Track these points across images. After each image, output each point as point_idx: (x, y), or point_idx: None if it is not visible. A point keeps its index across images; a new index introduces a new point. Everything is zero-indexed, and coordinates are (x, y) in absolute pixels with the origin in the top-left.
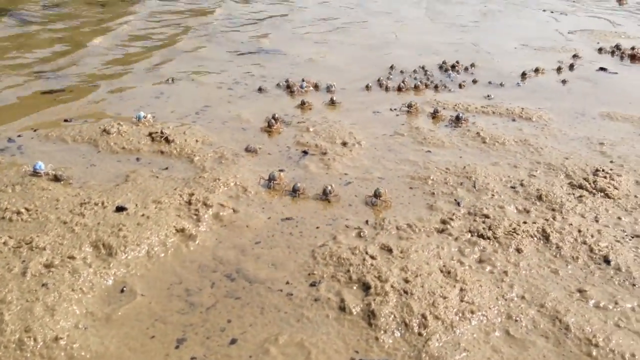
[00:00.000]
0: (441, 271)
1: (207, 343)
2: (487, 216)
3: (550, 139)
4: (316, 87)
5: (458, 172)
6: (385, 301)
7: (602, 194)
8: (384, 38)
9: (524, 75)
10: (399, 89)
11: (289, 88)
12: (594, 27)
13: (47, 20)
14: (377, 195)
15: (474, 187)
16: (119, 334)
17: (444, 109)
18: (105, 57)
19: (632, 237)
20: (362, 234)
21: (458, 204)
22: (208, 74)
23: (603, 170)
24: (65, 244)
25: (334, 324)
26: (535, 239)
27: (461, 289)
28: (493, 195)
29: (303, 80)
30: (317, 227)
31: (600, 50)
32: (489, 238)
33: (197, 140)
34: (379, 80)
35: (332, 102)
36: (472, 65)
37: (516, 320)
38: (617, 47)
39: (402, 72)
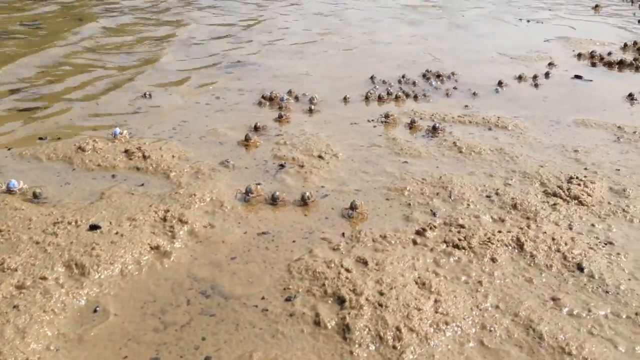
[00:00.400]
0: (416, 283)
1: None
2: (462, 226)
3: (525, 148)
4: (296, 98)
5: (434, 182)
6: (359, 315)
7: (576, 201)
8: (362, 48)
9: (500, 84)
10: (379, 99)
11: (267, 100)
12: (570, 35)
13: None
14: (353, 207)
15: (450, 197)
16: (91, 355)
17: (421, 119)
18: (80, 72)
19: (605, 244)
20: (338, 246)
21: (434, 214)
22: (185, 88)
23: (577, 178)
24: (37, 264)
25: (308, 339)
26: (510, 248)
27: (436, 300)
28: (469, 205)
29: (287, 93)
30: (294, 241)
31: (576, 57)
32: (464, 248)
33: (173, 156)
34: (360, 91)
35: (310, 114)
36: (453, 74)
37: (490, 330)
38: (592, 54)
39: (383, 82)
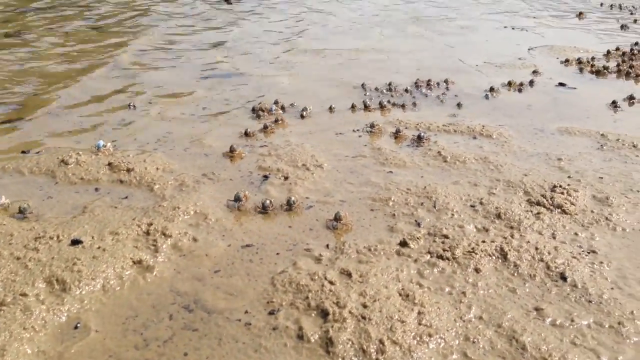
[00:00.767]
0: (400, 294)
1: None
2: (446, 236)
3: (509, 156)
4: (282, 109)
5: (419, 192)
6: (343, 328)
7: (560, 210)
8: (347, 58)
9: (485, 92)
10: (365, 108)
11: (253, 111)
12: (554, 43)
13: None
14: (337, 218)
15: (435, 207)
16: None
17: (406, 128)
18: (64, 85)
19: (589, 253)
20: (322, 258)
21: (418, 224)
22: (170, 99)
23: (560, 186)
24: (17, 280)
25: (292, 353)
26: (494, 258)
27: (419, 312)
28: (453, 214)
29: (274, 103)
30: (278, 253)
31: (560, 65)
32: (448, 259)
33: (157, 168)
34: (346, 100)
35: (296, 125)
36: (437, 83)
37: (474, 342)
38: (576, 61)
39: (366, 91)
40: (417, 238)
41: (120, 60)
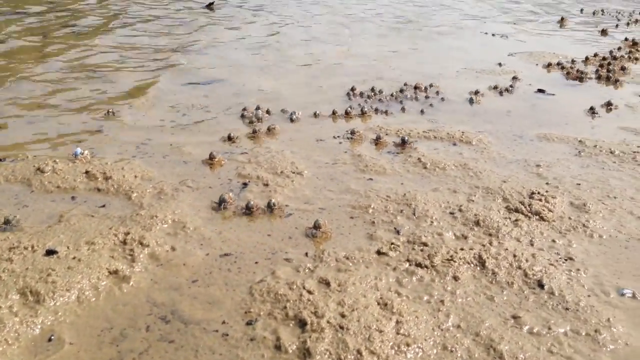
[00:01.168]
0: (378, 304)
1: None
2: (425, 244)
3: (489, 163)
4: (268, 112)
5: (399, 199)
6: (320, 338)
7: (537, 217)
8: (326, 63)
9: (465, 98)
10: (346, 114)
11: (236, 117)
12: (534, 49)
13: None
14: (316, 226)
15: (414, 214)
16: None
17: (387, 134)
18: (42, 89)
19: (566, 260)
20: (300, 267)
21: (398, 232)
22: (149, 106)
23: (539, 193)
24: None
25: None
26: (472, 265)
27: (397, 322)
28: (432, 222)
29: (256, 109)
30: (256, 262)
31: (539, 71)
32: (426, 267)
33: (136, 176)
34: (327, 107)
35: (275, 132)
36: (421, 89)
37: (451, 351)
38: (555, 66)
39: (347, 98)
40: (396, 246)
41: (92, 63)
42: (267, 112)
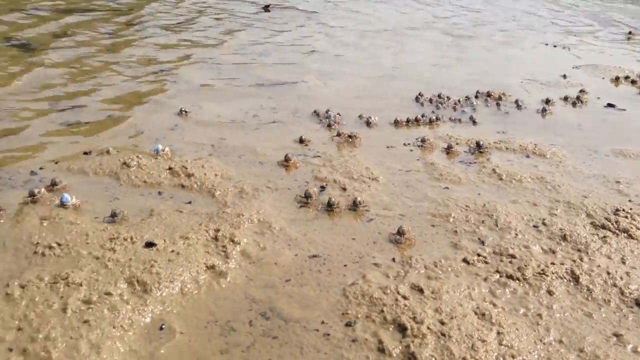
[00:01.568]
0: (475, 313)
1: None
2: (513, 256)
3: (566, 177)
4: (338, 116)
5: (478, 209)
6: (424, 343)
7: (626, 234)
8: (390, 70)
9: (534, 110)
10: (416, 121)
11: (307, 120)
12: (598, 62)
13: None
14: (400, 232)
15: (496, 225)
16: None
17: (457, 144)
18: (117, 89)
19: None
20: (390, 272)
21: (482, 242)
22: (220, 106)
23: (623, 210)
24: (100, 280)
25: None
26: (565, 280)
27: (498, 332)
28: (516, 234)
29: (326, 112)
30: (345, 265)
31: (606, 84)
32: (518, 279)
33: (216, 174)
34: (395, 113)
35: (346, 136)
36: (489, 99)
37: None
38: (625, 81)
39: (415, 104)
40: (484, 256)
41: (158, 59)
42: (338, 115)
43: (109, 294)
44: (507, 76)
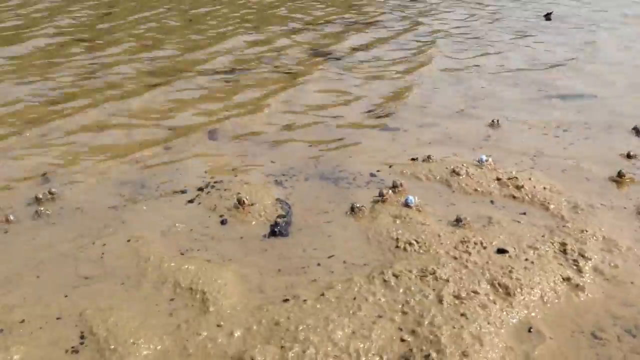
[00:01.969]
0: None
1: None
2: None
3: None
4: None
5: None
6: None
7: None
8: None
9: None
10: None
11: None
12: None
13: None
14: None
15: None
16: None
17: None
18: (426, 99)
19: None
20: None
21: None
22: (527, 117)
23: None
24: (463, 278)
25: None
26: None
27: None
28: None
29: None
30: None
31: None
32: None
33: (544, 187)
34: None
35: None
36: None
37: None
38: None
39: None
40: None
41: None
42: None
43: (475, 292)
44: None
